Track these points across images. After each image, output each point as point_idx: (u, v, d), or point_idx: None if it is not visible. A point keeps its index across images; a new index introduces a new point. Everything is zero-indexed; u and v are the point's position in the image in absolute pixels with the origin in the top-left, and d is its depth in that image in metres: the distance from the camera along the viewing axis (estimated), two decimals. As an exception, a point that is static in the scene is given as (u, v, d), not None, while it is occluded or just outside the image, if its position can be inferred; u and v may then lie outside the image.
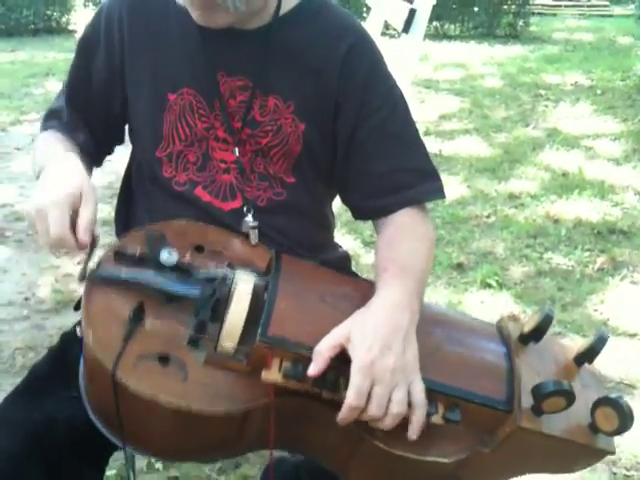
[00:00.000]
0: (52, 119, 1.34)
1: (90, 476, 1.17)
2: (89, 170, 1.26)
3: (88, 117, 1.32)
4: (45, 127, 1.33)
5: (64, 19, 8.38)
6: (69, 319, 2.39)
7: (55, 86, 5.52)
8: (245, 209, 1.23)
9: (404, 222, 1.22)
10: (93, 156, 1.32)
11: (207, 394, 0.96)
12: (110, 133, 1.36)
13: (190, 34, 1.20)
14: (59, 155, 1.16)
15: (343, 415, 0.96)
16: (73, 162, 1.13)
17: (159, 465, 1.90)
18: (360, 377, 0.95)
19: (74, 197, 1.04)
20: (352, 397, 0.95)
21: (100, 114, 1.31)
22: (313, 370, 0.95)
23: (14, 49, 7.28)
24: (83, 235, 1.02)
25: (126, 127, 1.35)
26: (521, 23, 8.53)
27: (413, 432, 0.99)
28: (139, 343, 0.99)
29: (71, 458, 1.09)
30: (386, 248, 1.19)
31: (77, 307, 1.09)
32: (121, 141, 1.39)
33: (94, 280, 1.06)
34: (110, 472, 1.85)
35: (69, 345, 1.20)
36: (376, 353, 0.97)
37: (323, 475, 1.10)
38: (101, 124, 1.32)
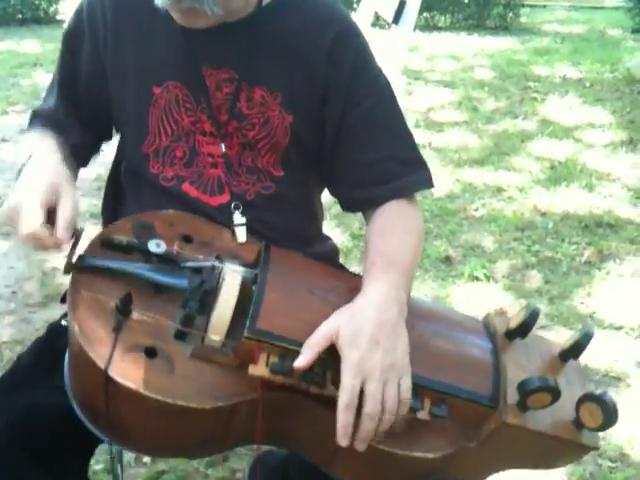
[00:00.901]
0: (39, 118, 1.32)
1: (75, 465, 1.17)
2: (75, 169, 1.25)
3: (79, 113, 1.30)
4: (31, 126, 1.32)
5: (52, 9, 8.29)
6: (57, 313, 2.35)
7: (43, 76, 5.47)
8: (233, 206, 1.22)
9: (393, 214, 1.22)
10: (80, 155, 1.31)
11: (193, 388, 0.96)
12: (99, 129, 1.34)
13: (174, 26, 1.18)
14: (38, 152, 1.15)
15: (340, 416, 0.95)
16: (52, 158, 1.13)
17: (147, 459, 1.91)
18: (350, 377, 0.96)
19: (49, 193, 1.03)
20: (344, 396, 0.95)
21: (90, 109, 1.30)
22: (299, 363, 0.96)
23: (1, 39, 7.20)
24: (61, 233, 1.02)
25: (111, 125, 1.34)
26: (511, 15, 8.51)
27: (389, 424, 0.99)
28: (126, 335, 0.98)
29: (55, 447, 1.09)
30: (375, 240, 1.18)
31: (64, 300, 1.09)
32: (109, 138, 1.38)
33: (80, 268, 1.04)
34: (98, 466, 1.85)
35: (55, 336, 1.20)
36: (365, 350, 0.97)
37: (311, 468, 1.11)
38: (91, 119, 1.31)
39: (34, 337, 2.19)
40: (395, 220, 1.22)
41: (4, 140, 4.31)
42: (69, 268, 1.05)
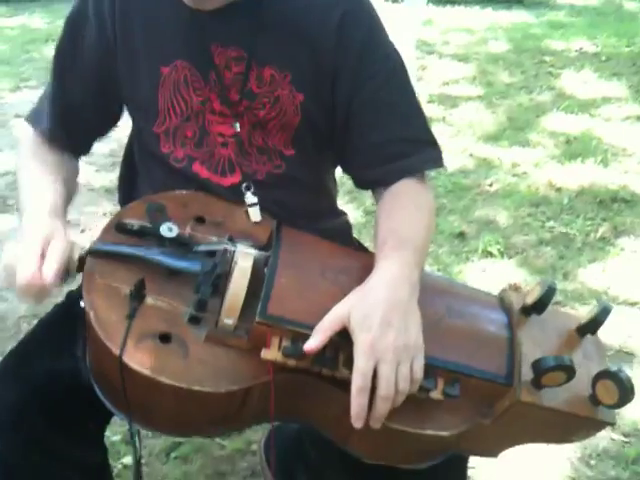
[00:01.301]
0: (38, 104, 1.34)
1: (92, 430, 1.19)
2: (72, 167, 1.30)
3: (77, 96, 1.29)
4: (28, 115, 1.34)
5: (63, -17, 8.28)
6: (73, 285, 2.40)
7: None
8: (244, 186, 1.22)
9: (403, 192, 1.22)
10: (76, 141, 1.32)
11: (208, 372, 0.97)
12: (103, 114, 1.34)
13: (182, 6, 1.17)
14: (33, 204, 1.14)
15: (354, 400, 0.96)
16: (43, 208, 1.12)
17: (164, 431, 1.93)
18: (364, 359, 0.96)
19: (42, 245, 1.03)
20: (358, 379, 0.95)
21: (93, 93, 1.29)
22: (309, 346, 0.96)
23: (13, 14, 7.18)
24: (46, 278, 1.00)
25: (122, 108, 1.34)
26: (526, -13, 8.40)
27: (399, 403, 0.99)
28: (140, 321, 0.99)
29: (73, 413, 1.11)
30: (385, 219, 1.18)
31: (80, 269, 1.08)
32: (116, 121, 1.37)
33: (95, 254, 1.05)
34: (115, 437, 1.88)
35: (74, 304, 1.21)
36: (377, 332, 0.97)
37: (325, 440, 1.11)
38: (93, 104, 1.30)
39: (51, 311, 2.18)
40: (405, 198, 1.21)
41: (17, 116, 4.32)
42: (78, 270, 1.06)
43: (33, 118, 1.34)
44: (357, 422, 0.97)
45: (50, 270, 0.99)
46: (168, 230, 1.08)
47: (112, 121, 1.37)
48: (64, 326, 1.19)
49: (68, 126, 1.30)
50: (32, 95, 4.48)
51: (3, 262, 1.04)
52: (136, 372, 0.95)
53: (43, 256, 1.01)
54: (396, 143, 1.24)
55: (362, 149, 1.25)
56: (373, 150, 1.24)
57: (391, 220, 1.17)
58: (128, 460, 1.79)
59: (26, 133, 1.35)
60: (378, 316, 0.98)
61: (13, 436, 1.10)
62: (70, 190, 1.26)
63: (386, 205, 1.22)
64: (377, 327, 0.97)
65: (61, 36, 1.30)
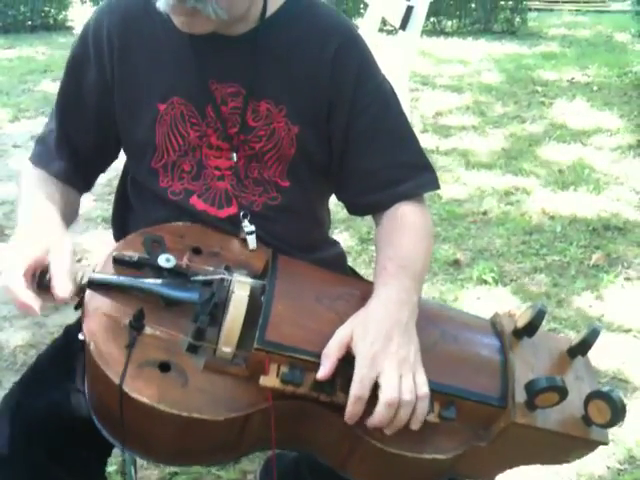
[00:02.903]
0: (41, 145, 1.33)
1: (93, 464, 1.19)
2: (74, 201, 1.29)
3: (80, 138, 1.31)
4: (33, 157, 1.32)
5: (61, 16, 8.32)
6: (70, 317, 2.39)
7: (53, 83, 5.50)
8: (242, 214, 1.24)
9: (403, 216, 1.24)
10: (81, 180, 1.33)
11: (207, 400, 0.98)
12: (102, 153, 1.35)
13: (178, 44, 1.20)
14: (28, 218, 1.15)
15: (349, 408, 0.97)
16: (41, 222, 1.12)
17: (159, 460, 1.92)
18: (365, 369, 0.98)
19: (36, 261, 1.03)
20: (356, 387, 0.97)
21: (93, 133, 1.30)
22: (322, 374, 0.98)
23: (11, 46, 7.25)
24: (60, 294, 1.02)
25: (120, 145, 1.34)
26: (518, 19, 8.49)
27: (416, 424, 1.01)
28: (140, 350, 1.00)
29: (74, 446, 1.12)
30: (385, 244, 1.20)
31: (77, 307, 1.11)
32: (114, 158, 1.38)
33: (94, 285, 1.07)
34: (111, 468, 1.87)
35: (72, 338, 1.21)
36: (379, 346, 1.00)
37: (323, 468, 1.12)
38: (94, 144, 1.32)
39: (48, 341, 2.22)
40: (405, 222, 1.23)
41: (15, 146, 4.34)
42: (79, 305, 1.08)
43: (41, 160, 1.31)
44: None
45: (64, 291, 1.01)
46: (166, 261, 1.09)
47: (111, 158, 1.38)
48: (63, 360, 1.20)
49: (77, 167, 1.31)
50: (30, 126, 4.52)
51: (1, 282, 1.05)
52: (136, 400, 0.96)
53: (33, 270, 1.02)
54: (393, 168, 1.26)
55: (359, 175, 1.27)
56: (370, 176, 1.26)
57: (390, 245, 1.19)
58: (124, 490, 1.78)
59: (30, 170, 1.32)
60: (380, 332, 1.01)
61: (15, 469, 1.10)
62: (71, 216, 1.28)
63: (386, 229, 1.24)
64: (380, 342, 1.00)
65: (63, 78, 1.32)
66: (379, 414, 0.98)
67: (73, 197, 1.32)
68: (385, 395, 0.97)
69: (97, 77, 1.26)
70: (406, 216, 1.24)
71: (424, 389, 1.00)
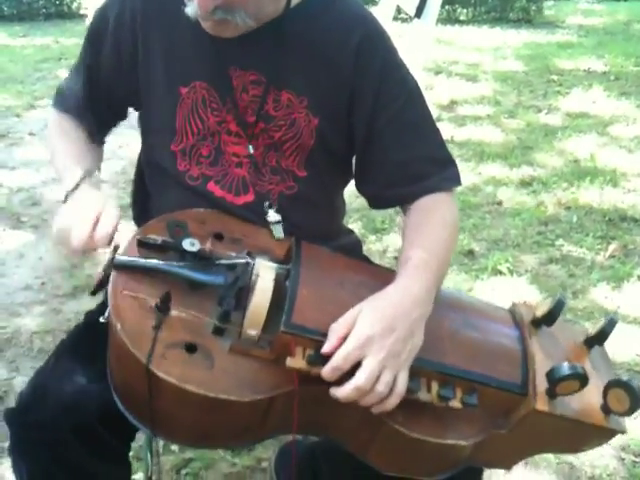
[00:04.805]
0: (64, 97, 1.38)
1: (117, 447, 1.21)
2: (99, 156, 1.36)
3: (99, 100, 1.35)
4: (57, 105, 1.38)
5: (75, 4, 8.37)
6: (86, 303, 2.42)
7: (67, 71, 5.52)
8: (267, 204, 1.25)
9: (428, 208, 1.24)
10: (98, 133, 1.38)
11: (233, 382, 0.99)
12: (115, 114, 1.40)
13: (200, 28, 1.20)
14: (79, 176, 1.20)
15: (325, 373, 0.98)
16: (93, 187, 1.19)
17: (175, 447, 1.94)
18: (352, 347, 0.98)
19: (96, 215, 1.10)
20: (337, 359, 0.98)
21: (104, 98, 1.34)
22: (327, 348, 0.98)
23: (26, 34, 7.29)
24: (99, 240, 1.08)
25: (128, 109, 1.39)
26: (534, 7, 8.45)
27: (376, 410, 1.01)
28: (166, 332, 1.01)
29: (100, 429, 1.13)
30: (412, 235, 1.20)
31: (94, 292, 1.12)
32: (122, 118, 1.42)
33: (120, 267, 1.08)
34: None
35: (93, 324, 1.22)
36: (377, 330, 0.99)
37: (338, 454, 1.13)
38: (104, 108, 1.36)
39: (64, 327, 2.24)
40: (433, 215, 1.23)
41: (31, 134, 4.38)
42: (95, 291, 1.12)
43: (63, 103, 1.38)
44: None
45: (104, 234, 1.08)
46: (190, 245, 1.10)
47: (121, 117, 1.42)
48: (86, 346, 1.21)
49: (93, 110, 1.35)
50: (45, 114, 4.54)
51: (57, 226, 1.12)
52: (163, 381, 0.97)
53: (95, 224, 1.09)
54: (417, 163, 1.26)
55: (384, 169, 1.27)
56: (395, 169, 1.26)
57: (418, 237, 1.18)
58: (139, 476, 1.79)
59: (54, 116, 1.39)
60: (385, 317, 1.01)
61: (41, 454, 1.12)
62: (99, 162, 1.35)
63: (414, 220, 1.24)
64: (379, 326, 1.00)
65: (84, 44, 1.34)
66: (344, 392, 0.98)
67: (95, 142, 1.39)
68: (358, 380, 0.97)
69: (112, 50, 1.28)
70: (436, 208, 1.24)
71: (401, 388, 1.00)
